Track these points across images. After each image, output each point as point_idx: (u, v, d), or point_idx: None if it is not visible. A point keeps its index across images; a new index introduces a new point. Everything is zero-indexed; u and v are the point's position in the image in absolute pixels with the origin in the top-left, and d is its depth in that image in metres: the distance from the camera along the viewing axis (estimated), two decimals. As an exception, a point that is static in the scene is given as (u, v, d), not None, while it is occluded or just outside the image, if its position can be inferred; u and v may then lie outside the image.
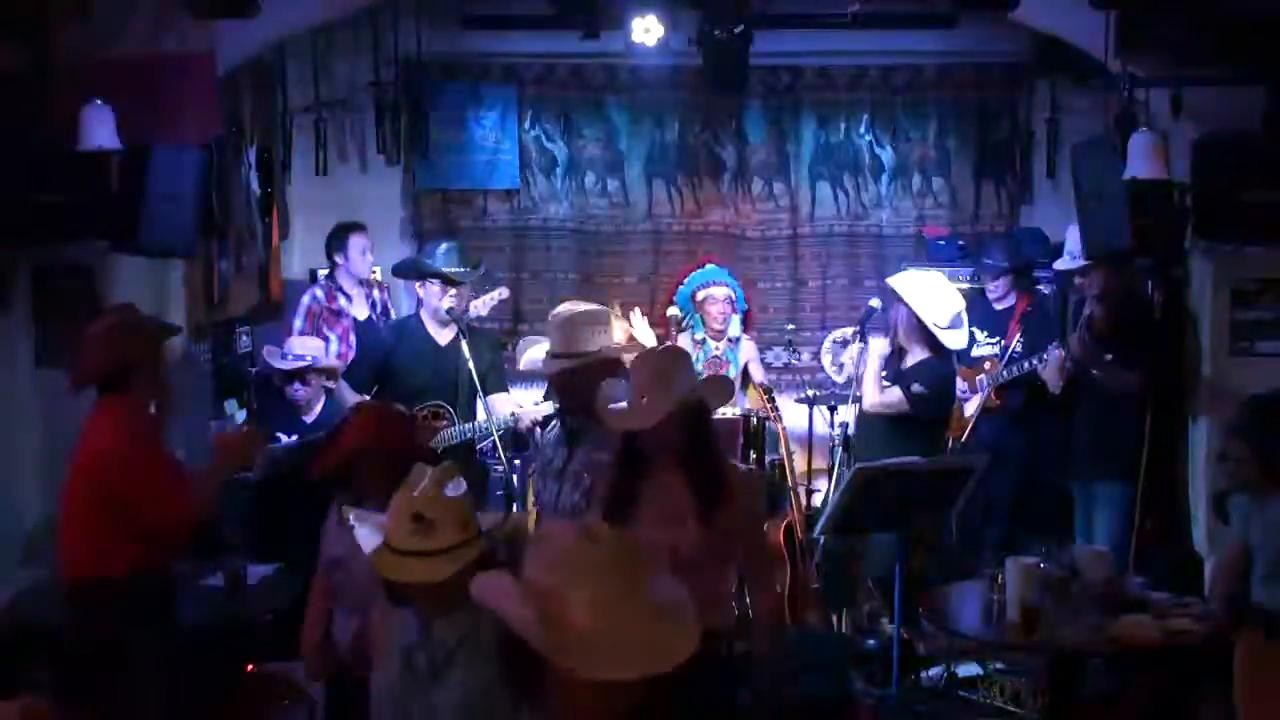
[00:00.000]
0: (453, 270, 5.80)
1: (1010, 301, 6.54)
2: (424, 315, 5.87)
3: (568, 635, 2.03)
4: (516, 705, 2.22)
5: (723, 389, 4.12)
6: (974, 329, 6.39)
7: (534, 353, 5.22)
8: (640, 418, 3.61)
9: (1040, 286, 6.74)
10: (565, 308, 4.37)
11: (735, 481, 3.73)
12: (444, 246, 5.89)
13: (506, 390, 5.97)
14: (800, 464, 6.34)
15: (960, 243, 7.16)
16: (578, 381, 4.16)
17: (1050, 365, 5.95)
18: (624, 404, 3.70)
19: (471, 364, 5.52)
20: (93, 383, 4.23)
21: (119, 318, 4.35)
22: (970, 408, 6.40)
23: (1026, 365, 6.16)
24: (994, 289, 6.53)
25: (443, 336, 5.81)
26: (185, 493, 4.16)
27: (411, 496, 2.81)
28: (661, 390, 3.60)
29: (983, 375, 6.40)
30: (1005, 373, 6.31)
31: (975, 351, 6.42)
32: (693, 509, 3.59)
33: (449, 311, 5.79)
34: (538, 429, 6.13)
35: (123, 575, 4.09)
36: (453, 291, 5.78)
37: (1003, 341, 6.47)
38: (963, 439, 6.30)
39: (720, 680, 3.70)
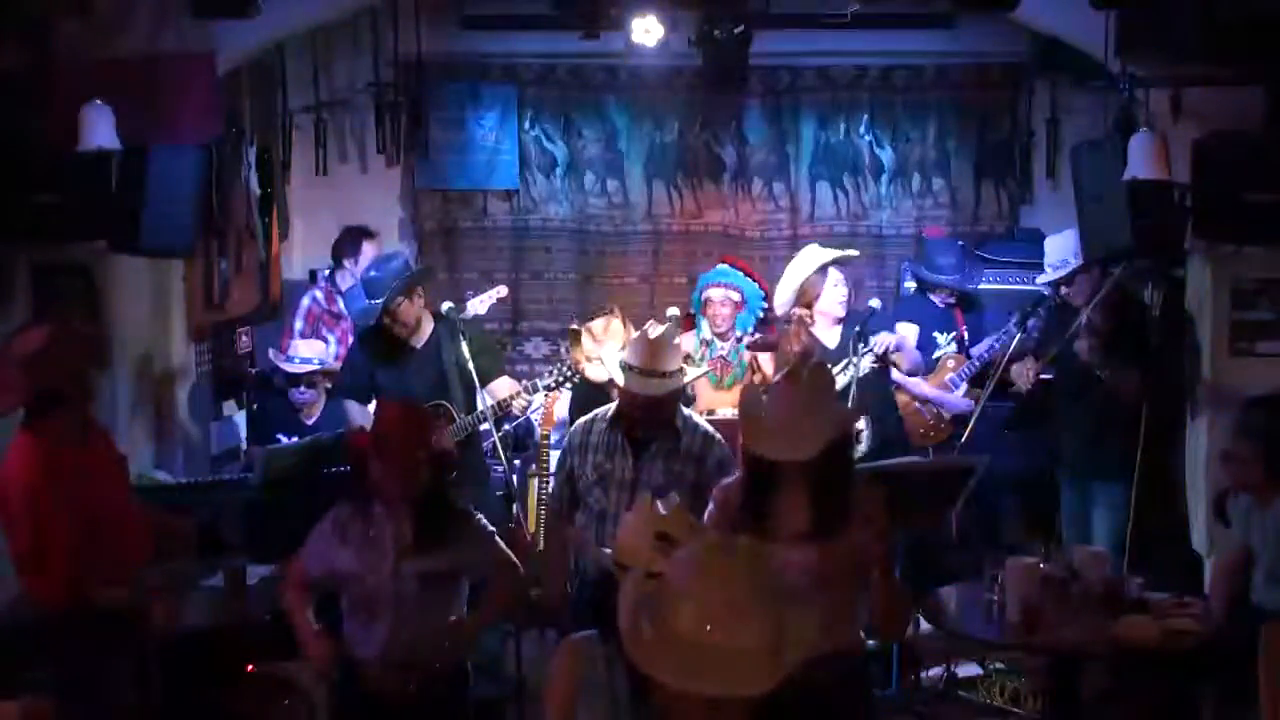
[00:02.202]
0: (416, 275, 5.78)
1: (952, 299, 6.61)
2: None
3: (664, 643, 2.04)
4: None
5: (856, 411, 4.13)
6: (935, 334, 6.41)
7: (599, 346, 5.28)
8: (800, 448, 3.42)
9: (1040, 287, 6.73)
10: (645, 328, 4.58)
11: (862, 501, 3.59)
12: (396, 262, 5.79)
13: (503, 374, 5.97)
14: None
15: (960, 243, 7.16)
16: (664, 398, 4.40)
17: (1018, 362, 6.01)
18: (762, 424, 3.54)
19: (470, 360, 5.51)
20: (15, 407, 4.10)
21: (47, 337, 4.09)
22: (948, 412, 6.41)
23: (988, 351, 6.20)
24: (943, 299, 6.57)
25: (418, 339, 5.78)
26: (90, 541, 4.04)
27: (657, 515, 2.77)
28: (815, 417, 3.46)
29: (950, 374, 6.41)
30: (969, 368, 6.33)
31: (935, 354, 6.44)
32: (809, 533, 3.45)
33: (449, 311, 5.78)
34: (547, 431, 6.15)
35: (66, 605, 4.05)
36: (418, 292, 5.76)
37: (956, 334, 6.50)
38: (961, 441, 6.29)
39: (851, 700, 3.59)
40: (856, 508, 3.53)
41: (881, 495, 3.68)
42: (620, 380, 4.52)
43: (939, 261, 6.64)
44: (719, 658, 2.02)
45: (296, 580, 4.15)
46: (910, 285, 7.10)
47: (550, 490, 4.92)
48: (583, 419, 4.72)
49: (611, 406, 4.64)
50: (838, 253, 6.10)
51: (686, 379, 4.67)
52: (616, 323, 6.10)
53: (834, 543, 3.45)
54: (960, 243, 7.17)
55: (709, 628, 2.02)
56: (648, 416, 4.43)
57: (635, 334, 4.71)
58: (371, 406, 5.79)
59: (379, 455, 3.94)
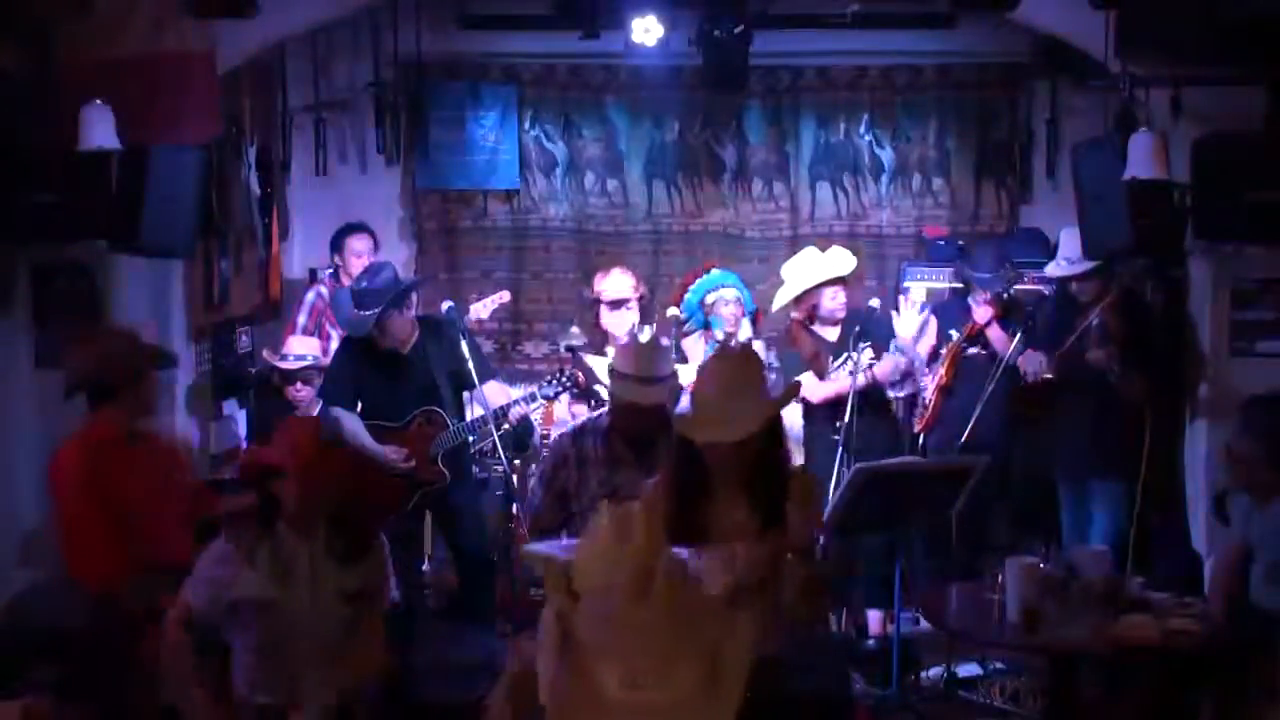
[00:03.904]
0: (407, 287, 5.75)
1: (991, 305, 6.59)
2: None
3: (593, 711, 1.84)
4: None
5: (791, 392, 4.06)
6: (952, 331, 6.40)
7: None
8: (730, 429, 3.30)
9: (1040, 287, 6.73)
10: (635, 333, 4.39)
11: (796, 489, 3.46)
12: (386, 273, 5.71)
13: (495, 376, 5.94)
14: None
15: (960, 243, 7.16)
16: (659, 405, 4.19)
17: (1029, 357, 6.00)
18: (691, 410, 3.42)
19: (470, 362, 5.51)
20: (80, 390, 4.35)
21: (116, 332, 4.54)
22: (929, 391, 6.42)
23: (965, 333, 6.23)
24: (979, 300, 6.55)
25: (405, 345, 5.72)
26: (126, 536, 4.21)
27: (635, 546, 2.42)
28: (748, 399, 3.35)
29: (935, 362, 6.41)
30: (948, 348, 6.33)
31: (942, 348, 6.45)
32: (753, 528, 3.33)
33: (450, 311, 5.78)
34: (548, 430, 6.13)
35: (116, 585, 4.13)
36: (408, 303, 5.71)
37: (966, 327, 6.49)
38: (961, 441, 6.28)
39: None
40: (792, 498, 3.41)
41: (813, 481, 3.62)
42: (609, 388, 4.36)
43: (982, 262, 6.58)
44: (655, 715, 1.84)
45: (184, 620, 3.69)
46: (909, 285, 7.10)
47: (531, 506, 4.55)
48: (567, 429, 4.58)
49: (601, 414, 4.48)
50: (837, 269, 6.10)
51: (681, 381, 4.58)
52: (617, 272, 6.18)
53: (771, 541, 3.33)
54: (960, 242, 7.16)
55: (637, 685, 1.83)
56: (643, 424, 4.22)
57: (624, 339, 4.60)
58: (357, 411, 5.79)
59: (291, 478, 3.63)
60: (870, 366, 5.95)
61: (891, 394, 6.28)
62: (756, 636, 3.13)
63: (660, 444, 4.22)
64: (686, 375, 5.48)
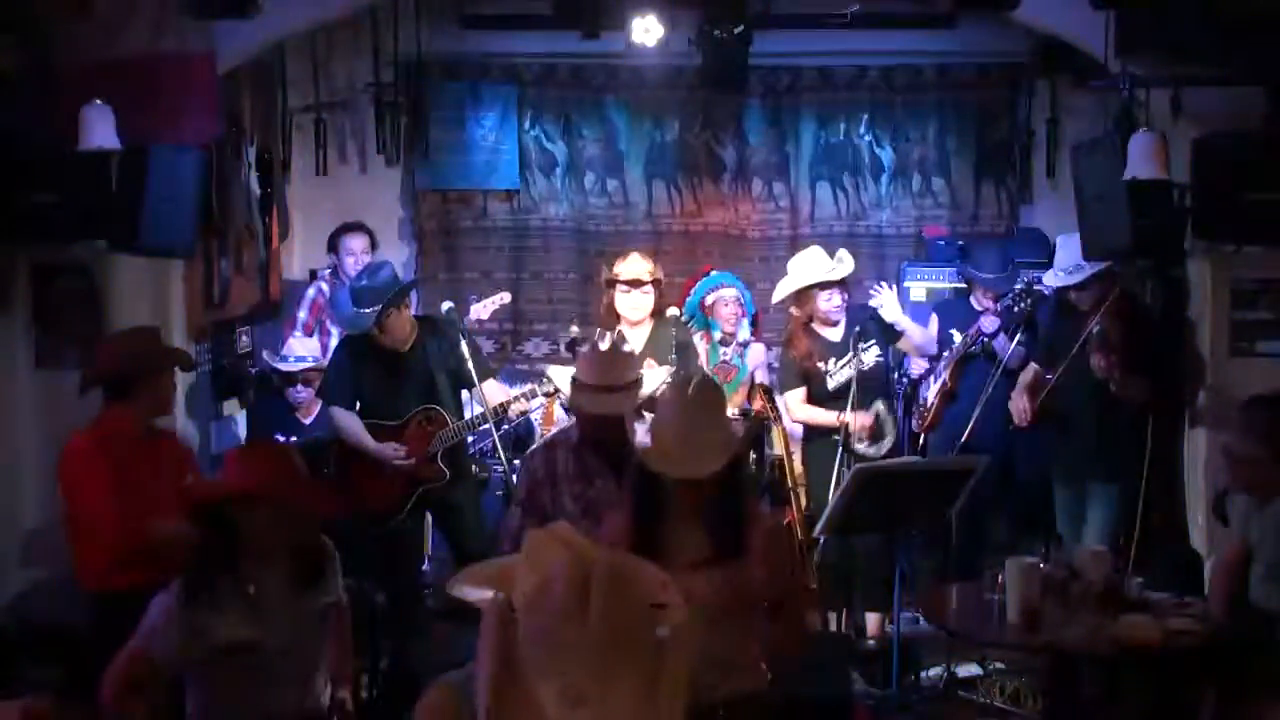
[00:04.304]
0: (406, 286, 5.75)
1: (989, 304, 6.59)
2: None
3: None
4: None
5: (753, 429, 3.97)
6: (953, 330, 6.39)
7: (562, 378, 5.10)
8: (693, 465, 3.28)
9: (1040, 288, 6.73)
10: (595, 340, 4.27)
11: (760, 530, 3.45)
12: (386, 271, 5.67)
13: (494, 375, 5.94)
14: (799, 464, 6.32)
15: (960, 243, 7.16)
16: (623, 414, 4.02)
17: (1015, 397, 6.02)
18: (653, 444, 3.38)
19: (469, 359, 5.50)
20: (97, 385, 4.31)
21: (137, 331, 4.59)
22: (931, 394, 6.41)
23: (969, 339, 6.23)
24: (982, 302, 6.54)
25: (404, 344, 5.69)
26: (116, 521, 4.22)
27: (569, 560, 2.35)
28: (711, 431, 3.34)
29: (938, 364, 6.40)
30: (952, 352, 6.32)
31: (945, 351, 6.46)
32: (708, 557, 3.33)
33: (449, 311, 5.78)
34: (548, 430, 6.12)
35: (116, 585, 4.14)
36: (407, 302, 5.71)
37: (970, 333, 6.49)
38: (961, 441, 6.28)
39: None
40: (754, 535, 3.40)
41: (780, 527, 3.58)
42: (571, 399, 4.22)
43: (985, 263, 6.57)
44: None
45: (135, 675, 3.38)
46: (909, 284, 7.11)
47: (507, 526, 4.32)
48: (538, 447, 4.51)
49: (571, 428, 4.34)
50: (829, 274, 6.09)
51: (645, 389, 4.35)
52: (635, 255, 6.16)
53: (732, 570, 3.33)
54: (960, 242, 7.16)
55: (575, 703, 1.74)
56: (610, 434, 4.00)
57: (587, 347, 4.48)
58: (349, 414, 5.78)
59: (256, 507, 3.36)
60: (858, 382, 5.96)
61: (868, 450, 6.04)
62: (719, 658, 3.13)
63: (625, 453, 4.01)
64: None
